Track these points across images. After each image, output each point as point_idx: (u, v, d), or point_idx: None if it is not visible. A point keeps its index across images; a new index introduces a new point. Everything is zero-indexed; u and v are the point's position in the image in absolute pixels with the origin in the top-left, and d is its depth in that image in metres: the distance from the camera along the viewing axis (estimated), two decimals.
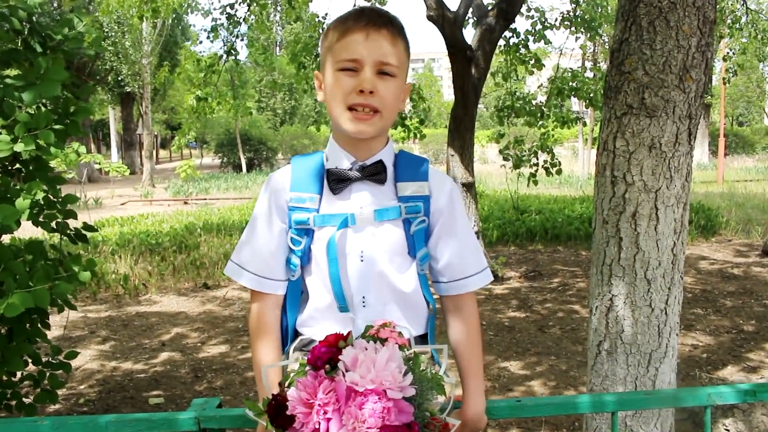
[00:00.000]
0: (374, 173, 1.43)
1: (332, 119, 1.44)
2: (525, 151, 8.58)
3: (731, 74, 10.71)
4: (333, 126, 1.47)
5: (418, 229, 1.46)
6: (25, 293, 2.29)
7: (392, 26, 1.40)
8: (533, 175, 8.55)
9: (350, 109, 1.37)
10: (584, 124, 10.84)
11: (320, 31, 9.45)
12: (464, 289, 1.50)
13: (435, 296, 1.53)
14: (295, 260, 1.46)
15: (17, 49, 2.64)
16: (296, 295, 1.51)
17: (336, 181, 1.43)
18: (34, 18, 2.65)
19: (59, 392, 3.13)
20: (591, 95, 8.70)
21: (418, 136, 9.17)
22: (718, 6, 2.28)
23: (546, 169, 8.48)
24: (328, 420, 1.12)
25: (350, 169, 1.43)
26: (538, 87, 9.47)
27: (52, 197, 2.71)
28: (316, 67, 9.29)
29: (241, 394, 4.12)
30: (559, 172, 8.38)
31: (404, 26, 1.45)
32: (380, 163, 1.44)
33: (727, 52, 11.08)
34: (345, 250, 1.43)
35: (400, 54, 1.41)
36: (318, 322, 1.48)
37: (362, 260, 1.43)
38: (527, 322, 5.58)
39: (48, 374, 2.96)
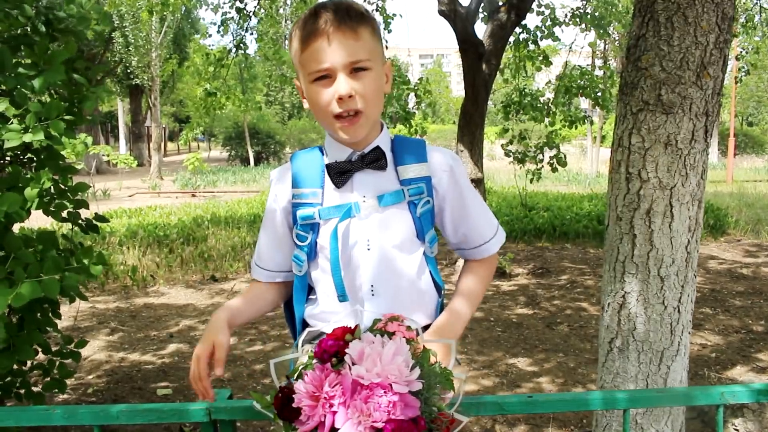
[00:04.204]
0: (374, 160, 1.43)
1: (322, 126, 1.45)
2: (531, 148, 8.55)
3: (744, 73, 10.63)
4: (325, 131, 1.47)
5: (424, 211, 1.45)
6: (35, 283, 2.30)
7: (351, 18, 1.34)
8: (538, 171, 8.52)
9: (336, 117, 1.36)
10: (591, 123, 10.80)
11: None
12: (486, 253, 1.55)
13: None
14: (302, 255, 1.47)
15: (27, 35, 2.64)
16: (303, 290, 1.52)
17: (337, 174, 1.42)
18: (41, 1, 2.65)
19: (67, 382, 3.13)
20: (598, 94, 8.64)
21: (419, 132, 9.12)
22: None
23: (551, 165, 8.44)
24: (334, 413, 1.11)
25: (349, 161, 1.43)
26: (546, 84, 9.42)
27: (62, 186, 2.71)
28: None
29: (249, 386, 4.12)
30: (564, 164, 8.32)
31: (361, 6, 1.40)
32: (378, 149, 1.44)
33: (740, 52, 10.99)
34: (351, 240, 1.42)
35: (368, 43, 1.36)
36: (328, 315, 1.47)
37: (369, 249, 1.42)
38: (535, 318, 5.56)
39: (57, 363, 2.97)
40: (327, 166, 1.44)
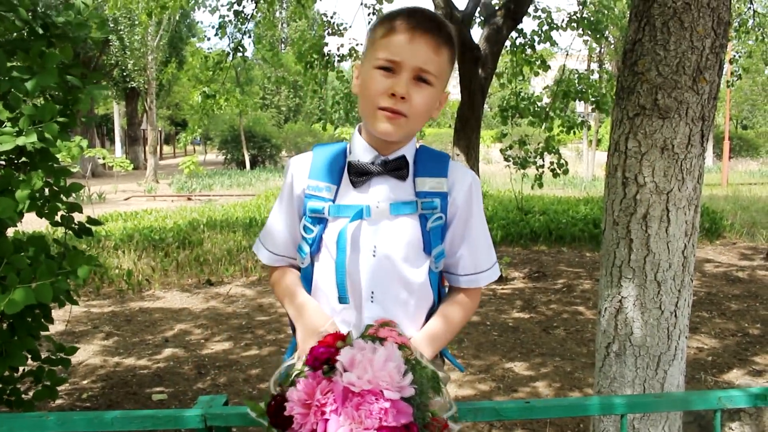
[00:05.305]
0: (396, 168, 1.43)
1: (361, 114, 1.44)
2: (531, 153, 8.57)
3: (735, 78, 10.66)
4: (362, 119, 1.46)
5: (434, 226, 1.44)
6: (28, 288, 2.27)
7: (439, 33, 1.37)
8: (539, 177, 8.54)
9: (380, 109, 1.37)
10: (588, 128, 10.83)
11: (328, 30, 9.43)
12: (474, 284, 1.51)
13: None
14: (306, 248, 1.47)
15: (23, 39, 2.62)
16: (307, 281, 1.51)
17: (357, 174, 1.42)
18: (38, 7, 2.64)
19: (61, 387, 3.10)
20: (598, 98, 8.66)
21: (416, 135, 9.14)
22: None
23: (552, 170, 8.47)
24: (326, 421, 1.10)
25: (372, 163, 1.43)
26: (544, 89, 9.44)
27: (56, 188, 2.69)
28: (323, 67, 9.27)
29: (245, 391, 4.11)
30: (565, 172, 8.37)
31: (452, 30, 1.43)
32: (403, 158, 1.43)
33: (734, 56, 11.02)
34: (358, 243, 1.42)
35: (442, 63, 1.39)
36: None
37: (374, 255, 1.41)
38: (531, 322, 5.56)
39: (47, 370, 2.93)
40: (349, 163, 1.44)
